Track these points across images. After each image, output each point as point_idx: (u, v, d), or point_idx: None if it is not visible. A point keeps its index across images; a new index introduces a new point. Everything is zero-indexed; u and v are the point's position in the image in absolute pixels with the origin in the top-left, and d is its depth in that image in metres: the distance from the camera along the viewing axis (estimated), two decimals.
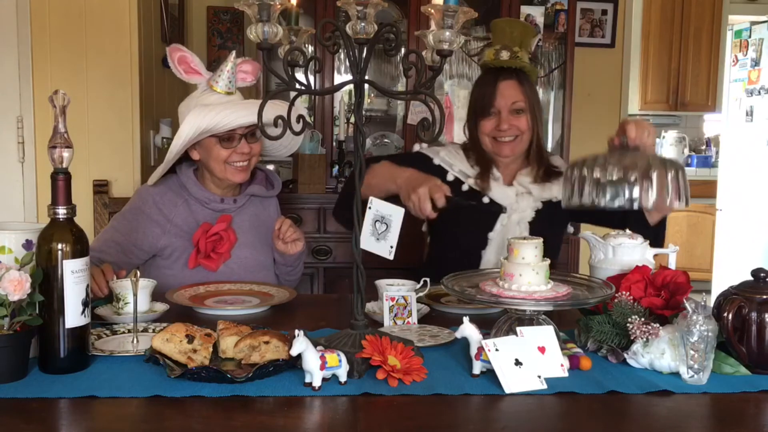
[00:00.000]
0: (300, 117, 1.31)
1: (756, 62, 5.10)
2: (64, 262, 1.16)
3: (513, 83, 1.98)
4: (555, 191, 1.99)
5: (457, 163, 2.05)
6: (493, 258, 1.98)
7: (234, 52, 1.94)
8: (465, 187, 2.02)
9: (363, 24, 1.21)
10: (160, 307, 1.58)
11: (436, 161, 2.05)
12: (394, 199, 1.67)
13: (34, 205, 2.91)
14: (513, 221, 1.98)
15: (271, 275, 2.07)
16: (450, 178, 2.02)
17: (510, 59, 1.96)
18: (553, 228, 2.00)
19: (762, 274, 1.25)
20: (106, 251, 1.86)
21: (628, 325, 1.24)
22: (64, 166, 1.18)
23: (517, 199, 2.00)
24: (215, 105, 1.86)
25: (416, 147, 2.18)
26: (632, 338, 1.24)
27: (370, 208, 1.30)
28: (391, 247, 1.29)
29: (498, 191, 2.00)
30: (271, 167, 3.24)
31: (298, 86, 1.26)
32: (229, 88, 1.89)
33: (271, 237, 2.03)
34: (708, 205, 5.64)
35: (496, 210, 1.98)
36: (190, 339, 1.19)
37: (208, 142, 1.92)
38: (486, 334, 1.26)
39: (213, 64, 3.80)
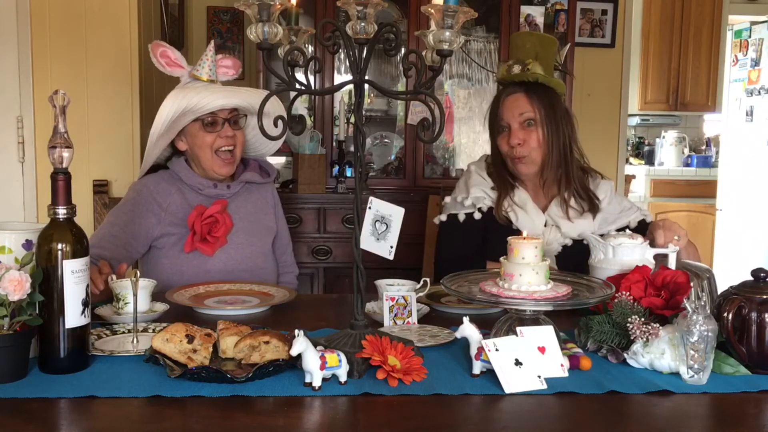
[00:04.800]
0: (300, 116, 1.31)
1: (756, 62, 5.10)
2: (64, 262, 1.16)
3: (520, 95, 1.92)
4: (586, 227, 1.90)
5: (488, 193, 1.98)
6: None
7: (212, 42, 2.01)
8: (477, 216, 1.95)
9: (363, 24, 1.21)
10: (160, 307, 1.58)
11: (461, 216, 1.97)
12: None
13: (34, 205, 2.91)
14: None
15: (270, 262, 2.08)
16: (477, 216, 1.96)
17: (520, 72, 1.91)
18: (581, 267, 1.84)
19: (762, 274, 1.25)
20: (104, 246, 1.87)
21: (628, 325, 1.24)
22: (64, 166, 1.18)
23: (544, 231, 1.92)
24: (195, 87, 1.91)
25: (437, 220, 2.04)
26: (632, 338, 1.24)
27: (370, 208, 1.30)
28: (391, 247, 1.29)
29: (525, 220, 1.93)
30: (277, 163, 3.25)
31: (298, 86, 1.26)
32: (210, 75, 1.94)
33: (267, 223, 2.08)
34: (708, 205, 5.64)
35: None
36: (190, 339, 1.19)
37: (192, 129, 1.95)
38: (486, 334, 1.26)
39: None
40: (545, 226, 1.94)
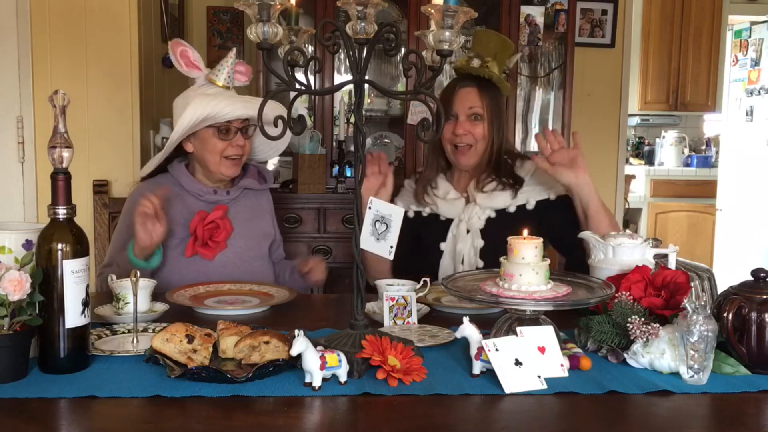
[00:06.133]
0: (300, 116, 1.31)
1: (756, 62, 5.10)
2: (64, 262, 1.16)
3: (473, 90, 2.02)
4: (504, 200, 2.00)
5: (410, 198, 2.12)
6: (447, 265, 2.01)
7: (234, 49, 2.01)
8: (410, 214, 2.08)
9: (363, 24, 1.21)
10: (160, 307, 1.58)
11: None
12: None
13: (34, 205, 2.91)
14: (461, 230, 2.00)
15: (267, 265, 2.10)
16: (411, 214, 2.09)
17: (479, 68, 2.00)
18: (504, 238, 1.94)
19: (762, 274, 1.25)
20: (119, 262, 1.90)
21: (628, 325, 1.24)
22: (64, 166, 1.18)
23: (464, 209, 2.03)
24: (216, 95, 1.92)
25: None
26: (632, 338, 1.24)
27: (369, 208, 1.30)
28: (391, 247, 1.29)
29: (444, 206, 2.05)
30: (273, 163, 3.25)
31: (298, 86, 1.26)
32: (227, 82, 1.96)
33: (265, 228, 2.11)
34: (708, 205, 5.64)
35: (446, 223, 2.05)
36: (190, 339, 1.19)
37: (204, 134, 1.97)
38: (486, 334, 1.26)
39: (213, 64, 3.80)
40: (466, 204, 2.04)
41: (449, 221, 2.04)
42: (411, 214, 2.08)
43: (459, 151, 2.04)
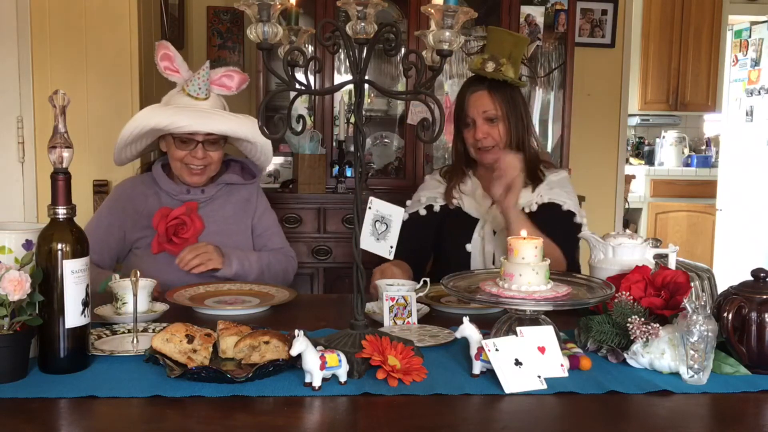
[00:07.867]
0: (300, 116, 1.31)
1: (756, 62, 5.10)
2: (64, 262, 1.16)
3: (483, 93, 2.02)
4: (526, 197, 1.98)
5: (435, 192, 2.13)
6: (478, 266, 2.00)
7: (208, 62, 2.02)
8: (436, 208, 2.08)
9: (363, 24, 1.21)
10: (160, 307, 1.58)
11: (422, 212, 2.10)
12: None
13: (34, 205, 2.91)
14: (488, 231, 2.01)
15: None
16: (437, 209, 2.10)
17: (494, 72, 2.00)
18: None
19: (762, 274, 1.25)
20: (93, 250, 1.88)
21: (628, 325, 1.24)
22: (64, 166, 1.18)
23: (489, 210, 2.03)
24: (174, 107, 1.94)
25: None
26: (632, 338, 1.24)
27: (370, 208, 1.30)
28: (391, 247, 1.29)
29: (469, 203, 2.06)
30: (273, 163, 3.25)
31: (298, 86, 1.26)
32: (198, 93, 1.96)
33: (249, 224, 2.10)
34: (708, 205, 5.64)
35: (471, 221, 2.04)
36: (190, 339, 1.19)
37: (168, 139, 1.99)
38: (486, 334, 1.26)
39: (213, 65, 3.79)
40: (491, 206, 2.03)
41: (474, 220, 2.03)
42: (437, 208, 2.08)
43: (483, 151, 2.04)
